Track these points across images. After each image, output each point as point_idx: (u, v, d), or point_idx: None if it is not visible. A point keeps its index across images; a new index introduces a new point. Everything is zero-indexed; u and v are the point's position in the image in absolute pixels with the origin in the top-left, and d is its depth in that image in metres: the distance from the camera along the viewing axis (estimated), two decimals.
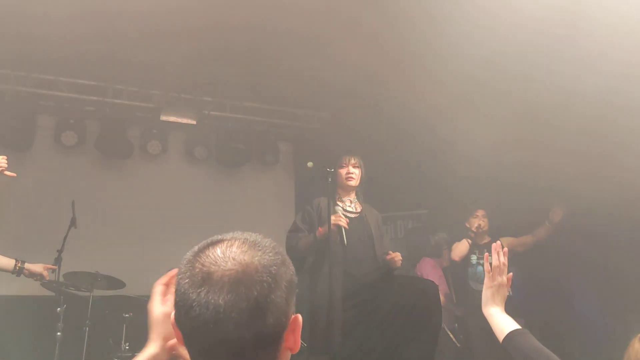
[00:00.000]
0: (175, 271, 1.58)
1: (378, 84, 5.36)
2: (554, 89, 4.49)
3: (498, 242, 2.07)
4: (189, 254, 1.07)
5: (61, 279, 4.51)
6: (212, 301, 0.97)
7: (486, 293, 2.02)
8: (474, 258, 5.10)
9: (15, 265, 3.71)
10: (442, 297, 5.39)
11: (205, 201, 6.63)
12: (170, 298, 1.46)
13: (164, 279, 1.52)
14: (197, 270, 1.02)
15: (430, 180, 5.78)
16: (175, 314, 1.04)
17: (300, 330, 1.06)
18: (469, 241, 5.12)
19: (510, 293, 5.71)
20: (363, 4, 4.29)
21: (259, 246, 1.06)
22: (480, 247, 5.05)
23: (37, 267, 3.84)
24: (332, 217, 3.62)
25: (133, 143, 6.28)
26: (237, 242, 1.06)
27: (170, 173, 6.63)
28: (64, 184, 5.95)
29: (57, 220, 4.90)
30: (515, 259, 6.39)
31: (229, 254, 1.03)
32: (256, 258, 1.03)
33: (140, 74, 5.78)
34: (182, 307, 1.01)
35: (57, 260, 4.54)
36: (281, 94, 6.22)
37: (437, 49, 4.50)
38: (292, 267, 1.10)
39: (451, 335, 5.01)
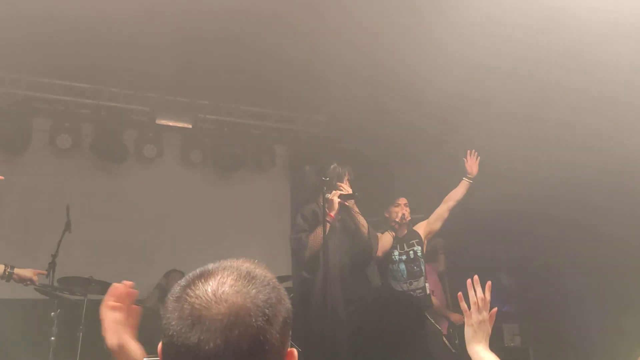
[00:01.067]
0: (117, 287, 1.47)
1: (375, 88, 5.36)
2: (563, 84, 4.52)
3: (475, 276, 1.97)
4: (176, 288, 1.00)
5: (55, 284, 4.48)
6: (204, 347, 0.91)
7: (468, 331, 1.95)
8: (395, 254, 4.49)
9: (5, 270, 3.64)
10: (437, 303, 5.36)
11: (200, 205, 6.61)
12: (122, 328, 1.43)
13: (109, 301, 1.44)
14: (187, 312, 0.95)
15: (428, 185, 5.78)
16: (162, 350, 0.98)
17: None
18: (392, 233, 4.50)
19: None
20: (360, 7, 4.29)
21: (253, 281, 0.99)
22: (400, 241, 4.53)
23: (26, 272, 3.74)
24: (331, 197, 3.84)
25: (128, 146, 6.26)
26: (229, 279, 0.98)
27: (165, 177, 6.61)
28: (58, 188, 5.93)
29: (52, 224, 4.88)
30: (511, 262, 6.42)
31: (220, 293, 0.96)
32: (249, 299, 0.96)
33: (136, 77, 5.76)
34: (171, 348, 0.95)
35: (52, 265, 4.52)
36: (277, 97, 6.22)
37: (437, 51, 4.51)
38: (287, 301, 1.03)
39: (446, 341, 4.95)
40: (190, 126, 6.29)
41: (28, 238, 5.57)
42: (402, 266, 4.44)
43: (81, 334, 4.38)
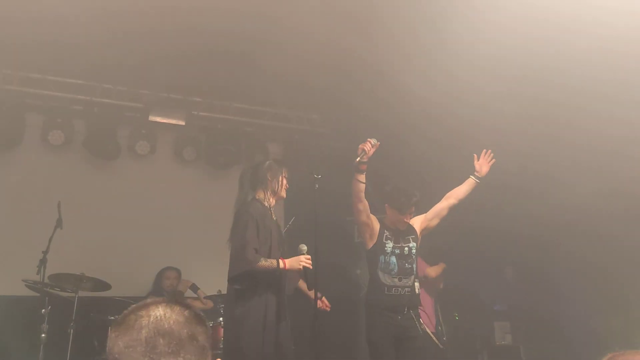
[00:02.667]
0: None
1: (369, 86, 5.37)
2: (559, 88, 4.53)
3: None
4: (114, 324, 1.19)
5: (46, 280, 4.46)
6: (137, 347, 1.11)
7: None
8: (389, 245, 4.18)
9: None
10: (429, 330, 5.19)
11: (193, 202, 6.59)
12: None
13: None
14: (123, 327, 1.15)
15: (419, 181, 5.79)
16: None
17: None
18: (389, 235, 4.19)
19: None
20: (354, 5, 4.29)
21: (178, 305, 1.20)
22: (396, 234, 4.21)
23: None
24: (302, 259, 3.55)
25: (121, 143, 6.23)
26: (160, 305, 1.19)
27: (158, 174, 6.58)
28: (50, 184, 5.90)
29: (43, 220, 4.86)
30: (502, 261, 6.45)
31: (151, 312, 1.16)
32: (174, 315, 1.16)
33: (129, 74, 5.74)
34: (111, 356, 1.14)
35: (42, 261, 4.50)
36: (271, 95, 6.22)
37: (431, 50, 4.51)
38: (207, 324, 1.23)
39: (434, 338, 4.95)
40: (183, 123, 6.27)
41: (19, 234, 5.54)
42: (394, 260, 4.14)
43: (72, 330, 4.36)
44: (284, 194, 3.81)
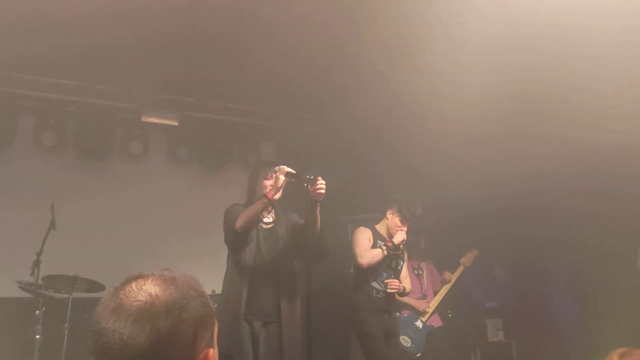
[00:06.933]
0: None
1: (360, 86, 5.39)
2: (548, 85, 4.56)
3: None
4: (110, 290, 1.14)
5: (40, 282, 4.47)
6: (118, 329, 1.04)
7: None
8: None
9: None
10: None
11: (187, 202, 6.59)
12: None
13: None
14: (112, 301, 1.09)
15: (417, 184, 5.82)
16: (90, 341, 1.10)
17: None
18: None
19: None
20: (346, 4, 4.31)
21: (174, 282, 1.12)
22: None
23: None
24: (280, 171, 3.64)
25: (114, 144, 6.22)
26: (152, 277, 1.12)
27: (151, 174, 6.58)
28: (43, 186, 5.88)
29: (37, 222, 4.85)
30: (495, 259, 6.50)
31: (142, 286, 1.09)
32: (167, 292, 1.09)
33: (122, 75, 5.74)
34: (94, 333, 1.08)
35: (36, 263, 4.51)
36: (263, 95, 6.22)
37: (422, 48, 4.53)
38: (210, 306, 1.14)
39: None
40: (176, 124, 6.28)
41: (13, 236, 5.53)
42: (384, 273, 4.46)
43: (66, 332, 4.37)
44: (272, 195, 3.65)
